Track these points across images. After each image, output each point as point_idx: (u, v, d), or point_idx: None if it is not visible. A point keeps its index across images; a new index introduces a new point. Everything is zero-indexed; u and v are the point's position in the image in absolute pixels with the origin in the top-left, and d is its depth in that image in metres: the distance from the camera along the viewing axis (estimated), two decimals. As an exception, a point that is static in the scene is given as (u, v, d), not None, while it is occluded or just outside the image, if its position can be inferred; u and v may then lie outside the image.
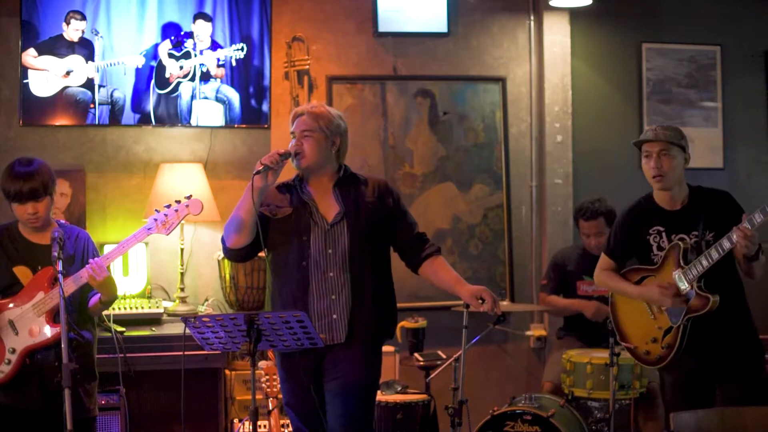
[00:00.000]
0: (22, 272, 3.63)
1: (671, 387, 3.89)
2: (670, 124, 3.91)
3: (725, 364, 3.76)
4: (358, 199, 3.53)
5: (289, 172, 3.59)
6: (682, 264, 3.72)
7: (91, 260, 3.60)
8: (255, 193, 3.37)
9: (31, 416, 3.59)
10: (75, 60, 4.91)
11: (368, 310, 3.47)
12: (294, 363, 3.45)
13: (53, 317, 3.58)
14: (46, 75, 4.88)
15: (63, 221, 3.88)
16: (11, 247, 3.66)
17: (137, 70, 4.98)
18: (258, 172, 3.37)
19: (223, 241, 3.54)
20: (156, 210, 3.71)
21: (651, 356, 3.85)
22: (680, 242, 3.75)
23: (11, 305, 3.60)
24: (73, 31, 4.90)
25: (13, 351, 3.57)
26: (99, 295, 3.69)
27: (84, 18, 4.91)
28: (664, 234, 3.82)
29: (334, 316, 3.41)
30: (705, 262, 3.64)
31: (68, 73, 4.90)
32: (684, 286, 3.71)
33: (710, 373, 3.78)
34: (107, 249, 4.74)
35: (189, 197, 3.70)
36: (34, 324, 3.58)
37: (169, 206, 3.70)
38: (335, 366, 3.43)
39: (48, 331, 3.58)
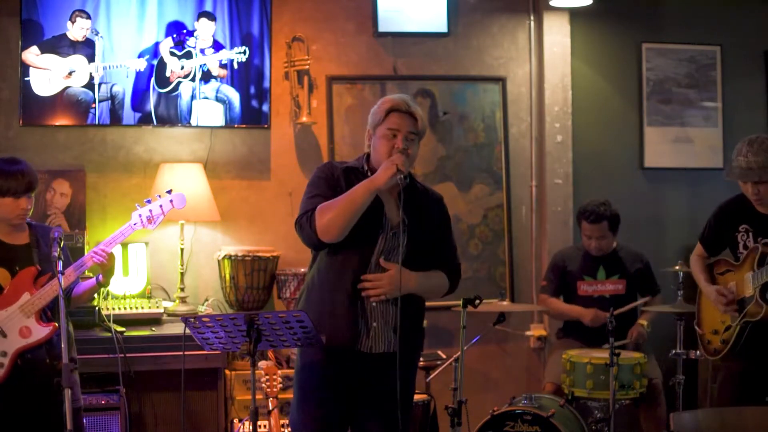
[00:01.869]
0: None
1: (721, 383, 3.95)
2: (763, 140, 3.73)
3: None
4: (421, 208, 3.37)
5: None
6: (755, 267, 3.71)
7: (95, 249, 3.70)
8: (372, 193, 3.17)
9: (22, 417, 3.59)
10: (77, 60, 4.90)
11: (412, 322, 3.36)
12: (336, 370, 3.27)
13: (40, 317, 3.62)
14: (48, 74, 4.88)
15: (33, 221, 3.86)
16: None
17: (138, 70, 4.98)
18: (403, 177, 3.17)
19: (314, 230, 3.20)
20: (137, 205, 3.80)
21: (711, 346, 3.93)
22: (761, 246, 3.74)
23: None
24: (78, 29, 4.89)
25: (5, 354, 3.58)
26: (93, 279, 3.76)
27: (89, 17, 4.90)
28: (751, 234, 3.82)
29: (374, 324, 3.26)
30: (766, 273, 3.64)
31: (70, 73, 4.90)
32: (750, 290, 3.71)
33: (762, 378, 3.78)
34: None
35: (170, 192, 3.79)
36: (23, 325, 3.58)
37: (149, 201, 3.79)
38: (382, 379, 3.26)
39: (41, 331, 3.60)
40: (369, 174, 3.31)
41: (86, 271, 3.76)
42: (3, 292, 3.61)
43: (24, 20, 4.82)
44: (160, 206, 3.79)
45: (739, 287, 3.81)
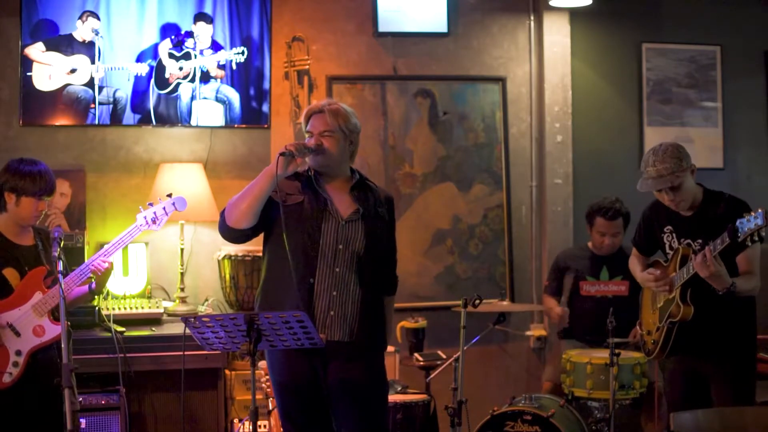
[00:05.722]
0: (10, 274, 3.64)
1: (665, 382, 4.07)
2: (666, 147, 3.77)
3: (713, 371, 3.79)
4: (375, 204, 3.49)
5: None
6: (677, 268, 3.76)
7: (98, 257, 3.75)
8: (270, 178, 3.31)
9: (33, 416, 3.60)
10: (79, 59, 4.90)
11: (370, 312, 3.43)
12: (296, 365, 3.38)
13: (52, 316, 3.65)
14: (49, 70, 4.88)
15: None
16: None
17: (138, 74, 4.98)
18: (283, 154, 3.29)
19: (223, 217, 3.39)
20: (141, 208, 3.98)
21: (646, 346, 4.01)
22: (682, 247, 3.77)
23: (7, 308, 3.60)
24: (87, 30, 4.89)
25: (20, 353, 3.59)
26: (86, 287, 3.79)
27: (98, 18, 4.90)
28: (675, 235, 3.87)
29: (332, 313, 3.35)
30: (685, 273, 3.69)
31: (72, 70, 4.90)
32: (672, 291, 3.76)
33: (700, 374, 3.82)
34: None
35: (170, 195, 4.01)
36: (37, 324, 3.59)
37: (151, 204, 3.98)
38: (341, 367, 3.36)
39: (54, 330, 3.64)
40: (311, 174, 3.47)
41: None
42: (14, 291, 3.63)
43: (33, 18, 4.82)
44: (164, 208, 3.98)
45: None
